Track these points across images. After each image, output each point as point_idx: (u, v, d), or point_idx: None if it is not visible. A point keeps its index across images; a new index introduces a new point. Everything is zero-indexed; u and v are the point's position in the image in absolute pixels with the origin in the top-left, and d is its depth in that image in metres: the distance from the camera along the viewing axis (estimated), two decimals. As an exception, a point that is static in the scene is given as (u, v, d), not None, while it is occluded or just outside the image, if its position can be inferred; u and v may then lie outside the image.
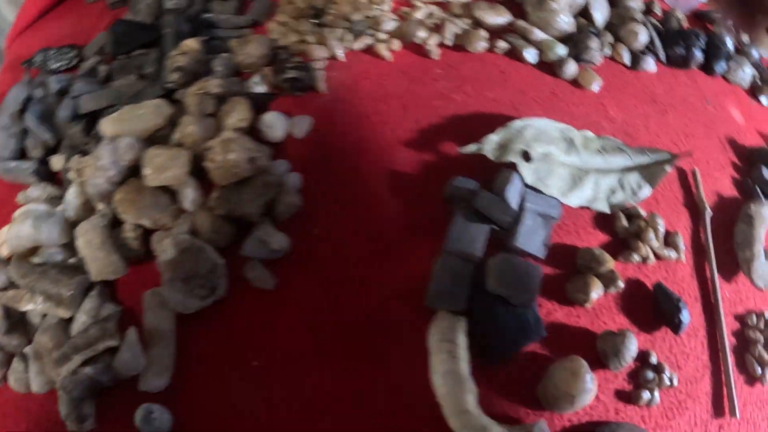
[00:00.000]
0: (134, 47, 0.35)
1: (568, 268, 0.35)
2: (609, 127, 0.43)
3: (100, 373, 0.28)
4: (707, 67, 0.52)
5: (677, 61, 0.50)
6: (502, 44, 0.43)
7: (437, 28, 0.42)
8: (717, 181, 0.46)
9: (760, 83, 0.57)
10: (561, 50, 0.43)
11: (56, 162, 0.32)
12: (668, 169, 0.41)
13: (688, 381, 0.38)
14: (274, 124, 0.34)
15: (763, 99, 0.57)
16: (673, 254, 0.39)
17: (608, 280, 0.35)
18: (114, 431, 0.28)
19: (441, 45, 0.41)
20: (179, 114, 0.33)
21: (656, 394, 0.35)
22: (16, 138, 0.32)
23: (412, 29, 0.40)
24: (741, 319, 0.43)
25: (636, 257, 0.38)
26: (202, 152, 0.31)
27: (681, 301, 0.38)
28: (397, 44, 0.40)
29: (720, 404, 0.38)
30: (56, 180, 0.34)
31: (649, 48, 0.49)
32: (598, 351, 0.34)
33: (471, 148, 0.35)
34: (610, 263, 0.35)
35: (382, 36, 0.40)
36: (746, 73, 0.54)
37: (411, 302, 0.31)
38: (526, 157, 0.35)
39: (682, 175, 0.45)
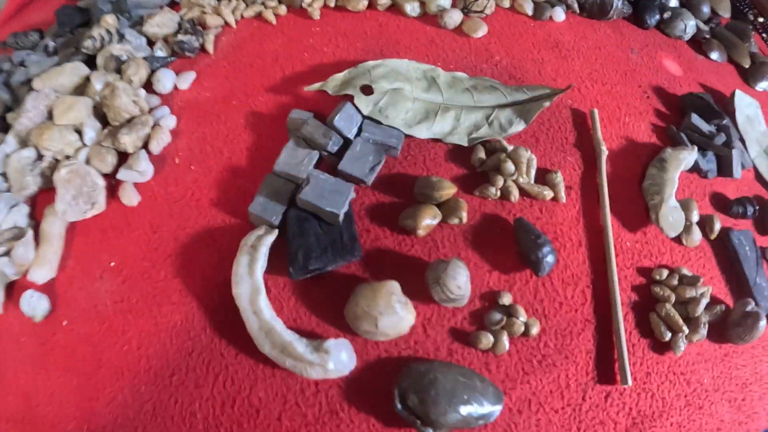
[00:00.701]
0: (75, 26, 0.46)
1: (407, 199, 0.36)
2: (490, 70, 0.43)
3: (6, 266, 0.36)
4: (638, 20, 0.50)
5: (593, 11, 0.48)
6: (384, 1, 0.45)
7: (324, -7, 0.46)
8: (627, 126, 0.42)
9: (708, 38, 0.51)
10: (443, 1, 0.44)
11: (9, 117, 0.43)
12: (546, 104, 0.39)
13: (560, 334, 0.34)
14: (162, 79, 0.41)
15: (713, 54, 0.51)
16: (547, 192, 0.37)
17: (449, 209, 0.34)
18: (15, 315, 0.36)
19: (325, 7, 0.46)
20: (97, 74, 0.42)
21: (504, 339, 0.32)
22: (-14, 100, 0.44)
23: (298, -4, 0.45)
24: (648, 273, 0.38)
25: (492, 190, 0.36)
26: (102, 100, 0.39)
27: (543, 237, 0.35)
28: (283, 9, 0.45)
29: (608, 369, 0.34)
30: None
31: (558, -2, 0.48)
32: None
33: (315, 86, 0.38)
34: (448, 190, 0.34)
35: (272, 3, 0.45)
36: (689, 26, 0.49)
37: (241, 217, 0.34)
38: (366, 90, 0.37)
39: (578, 117, 0.42)
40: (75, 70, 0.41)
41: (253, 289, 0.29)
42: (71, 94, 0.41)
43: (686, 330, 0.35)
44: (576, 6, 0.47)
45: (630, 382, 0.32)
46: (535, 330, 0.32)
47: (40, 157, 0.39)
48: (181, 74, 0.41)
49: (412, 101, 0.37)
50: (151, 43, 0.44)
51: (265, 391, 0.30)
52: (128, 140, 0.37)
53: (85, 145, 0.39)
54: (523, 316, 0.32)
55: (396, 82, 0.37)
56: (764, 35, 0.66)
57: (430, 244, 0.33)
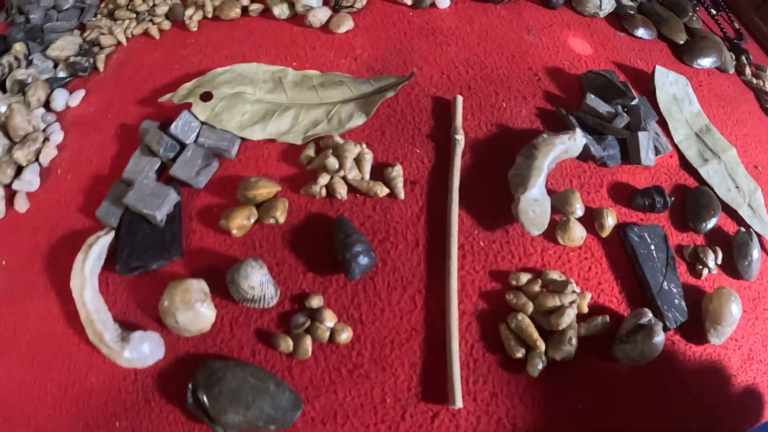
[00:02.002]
0: None
1: (236, 200, 0.36)
2: (348, 64, 0.42)
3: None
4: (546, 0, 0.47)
5: None
6: (255, 6, 0.46)
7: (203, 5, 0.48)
8: (504, 112, 0.40)
9: (632, 14, 0.46)
10: (309, 0, 0.44)
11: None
12: (389, 94, 0.38)
13: (378, 344, 0.32)
14: (57, 98, 0.45)
15: (638, 31, 0.46)
16: (380, 188, 0.36)
17: (265, 209, 0.35)
18: None
19: (205, 18, 0.47)
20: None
21: (307, 344, 0.30)
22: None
23: (179, 11, 0.47)
24: (504, 277, 0.34)
25: (316, 188, 0.36)
26: (5, 120, 0.45)
27: (355, 236, 0.33)
28: (167, 24, 0.48)
29: (438, 386, 0.30)
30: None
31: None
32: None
33: (166, 96, 0.40)
34: (263, 190, 0.35)
35: (158, 19, 0.48)
36: (605, 2, 0.46)
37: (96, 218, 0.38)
38: (205, 97, 0.38)
39: (440, 105, 0.41)
40: (-12, 95, 0.47)
41: (82, 282, 0.32)
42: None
43: (542, 346, 0.30)
44: (463, -9, 0.45)
45: (459, 403, 0.28)
46: (344, 336, 0.30)
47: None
48: (73, 93, 0.46)
49: (252, 104, 0.38)
50: (57, 64, 0.50)
51: (97, 376, 0.33)
52: (20, 155, 0.43)
53: (-7, 161, 0.45)
54: (330, 321, 0.31)
55: (239, 86, 0.38)
56: (712, 11, 0.58)
57: (248, 245, 0.34)
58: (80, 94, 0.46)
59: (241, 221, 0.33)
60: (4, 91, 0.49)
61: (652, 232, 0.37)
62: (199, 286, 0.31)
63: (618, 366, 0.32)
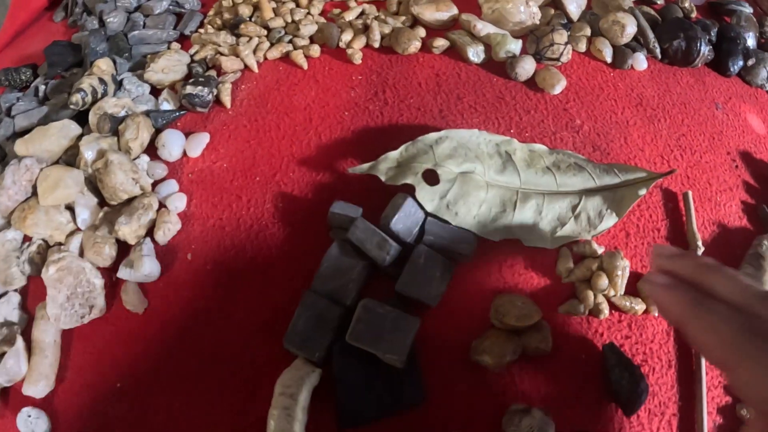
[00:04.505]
0: (67, 67, 0.37)
1: (480, 322, 0.29)
2: (571, 138, 0.35)
3: (-7, 377, 0.30)
4: (720, 65, 0.41)
5: (677, 58, 0.40)
6: (440, 42, 0.36)
7: (366, 29, 0.38)
8: (720, 208, 0.35)
9: None
10: (513, 46, 0.36)
11: (-4, 178, 0.36)
12: (642, 192, 0.31)
13: None
14: (168, 143, 0.33)
15: None
16: (639, 306, 0.30)
17: (532, 338, 0.28)
18: (5, 429, 0.30)
19: (368, 47, 0.37)
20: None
21: None
22: (-27, 153, 0.36)
23: (334, 33, 0.36)
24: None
25: (581, 309, 0.29)
26: (95, 173, 0.32)
27: (638, 370, 0.28)
28: (316, 50, 0.37)
29: None
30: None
31: (639, 42, 0.39)
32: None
33: (362, 167, 0.30)
34: (536, 317, 0.27)
35: (302, 42, 0.37)
36: None
37: (273, 340, 0.28)
38: (431, 178, 0.29)
39: (669, 199, 0.35)
40: (63, 131, 0.33)
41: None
42: (60, 159, 0.34)
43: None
44: (658, 51, 0.39)
45: None
46: (628, 484, 0.27)
47: (28, 237, 0.33)
48: (191, 136, 0.34)
49: (486, 189, 0.29)
50: (155, 89, 0.37)
51: None
52: (128, 231, 0.30)
53: (78, 228, 0.32)
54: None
55: (465, 162, 0.29)
56: None
57: (506, 380, 0.27)
58: (202, 139, 0.34)
59: (509, 357, 0.25)
60: (83, 124, 0.35)
61: None
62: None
63: None
